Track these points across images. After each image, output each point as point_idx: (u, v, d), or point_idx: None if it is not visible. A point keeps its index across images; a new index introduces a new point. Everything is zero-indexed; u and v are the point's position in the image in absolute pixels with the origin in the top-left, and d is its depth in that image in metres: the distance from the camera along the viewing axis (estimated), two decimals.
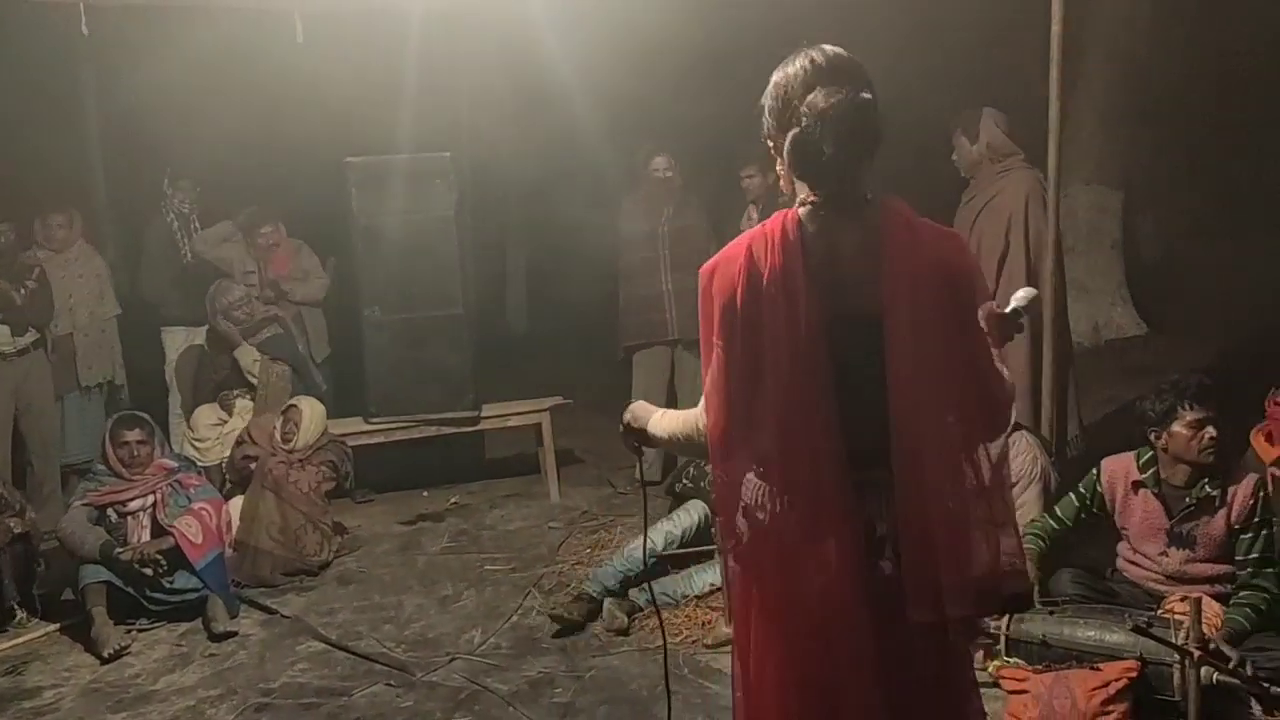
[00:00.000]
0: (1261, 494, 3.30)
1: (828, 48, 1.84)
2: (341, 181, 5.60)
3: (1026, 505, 3.92)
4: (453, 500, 5.86)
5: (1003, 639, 3.33)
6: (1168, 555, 3.40)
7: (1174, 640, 2.96)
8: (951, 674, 1.90)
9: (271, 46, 5.32)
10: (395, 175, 5.57)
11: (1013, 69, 5.77)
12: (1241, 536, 3.29)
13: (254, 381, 5.68)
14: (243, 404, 5.64)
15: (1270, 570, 3.26)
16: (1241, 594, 3.24)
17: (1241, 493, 3.29)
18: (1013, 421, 4.02)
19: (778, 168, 1.92)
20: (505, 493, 5.97)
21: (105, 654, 3.98)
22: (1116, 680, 2.95)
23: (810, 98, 1.77)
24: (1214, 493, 3.30)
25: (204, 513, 4.43)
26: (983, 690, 3.22)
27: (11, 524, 4.35)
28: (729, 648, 2.16)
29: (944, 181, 4.70)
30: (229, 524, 4.73)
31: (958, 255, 1.85)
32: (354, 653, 3.93)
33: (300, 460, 5.06)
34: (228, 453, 5.30)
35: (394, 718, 3.45)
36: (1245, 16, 7.49)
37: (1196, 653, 2.89)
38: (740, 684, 1.96)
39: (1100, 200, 7.73)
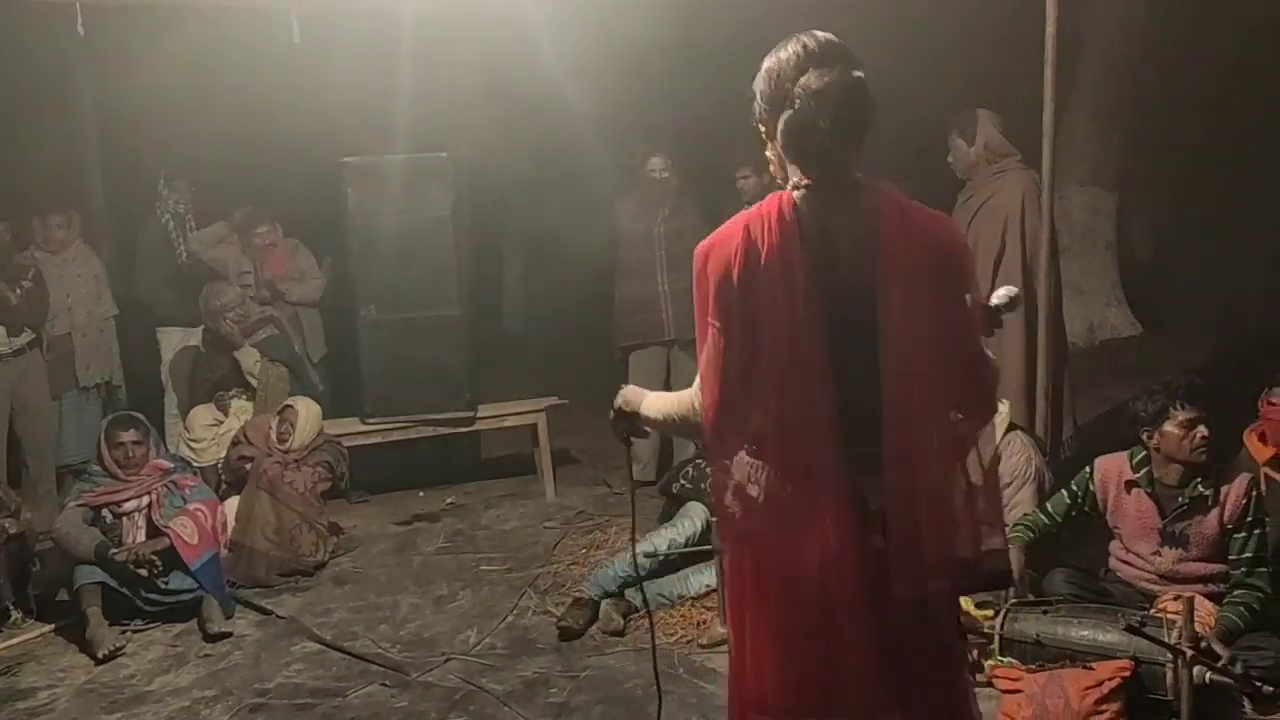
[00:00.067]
0: (1254, 493, 3.31)
1: (818, 33, 1.88)
2: (338, 181, 5.60)
3: (1020, 505, 3.93)
4: (448, 500, 5.87)
5: (997, 638, 3.34)
6: (1160, 555, 3.42)
7: (1167, 640, 2.97)
8: (944, 649, 1.94)
9: (268, 47, 5.32)
10: (391, 175, 5.57)
11: (1007, 70, 5.78)
12: (1235, 536, 3.30)
13: (254, 383, 5.68)
14: (239, 404, 5.64)
15: (1264, 569, 3.27)
16: (1235, 593, 3.25)
17: (1234, 492, 3.30)
18: (1007, 421, 4.04)
19: (768, 152, 1.95)
20: (501, 493, 5.98)
21: (100, 655, 3.97)
22: (1110, 679, 2.96)
23: (803, 79, 1.81)
24: (1206, 492, 3.31)
25: (199, 513, 4.43)
26: (977, 690, 3.25)
27: (7, 524, 4.35)
28: (724, 648, 2.17)
29: (942, 182, 4.71)
30: (224, 524, 4.72)
31: (949, 236, 1.89)
32: (349, 653, 3.93)
33: (296, 461, 5.06)
34: (223, 453, 5.30)
35: (389, 718, 3.45)
36: (1239, 18, 7.51)
37: (1189, 652, 2.90)
38: (736, 664, 1.97)
39: (1095, 202, 7.75)
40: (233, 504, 4.90)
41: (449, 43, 6.04)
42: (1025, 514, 3.73)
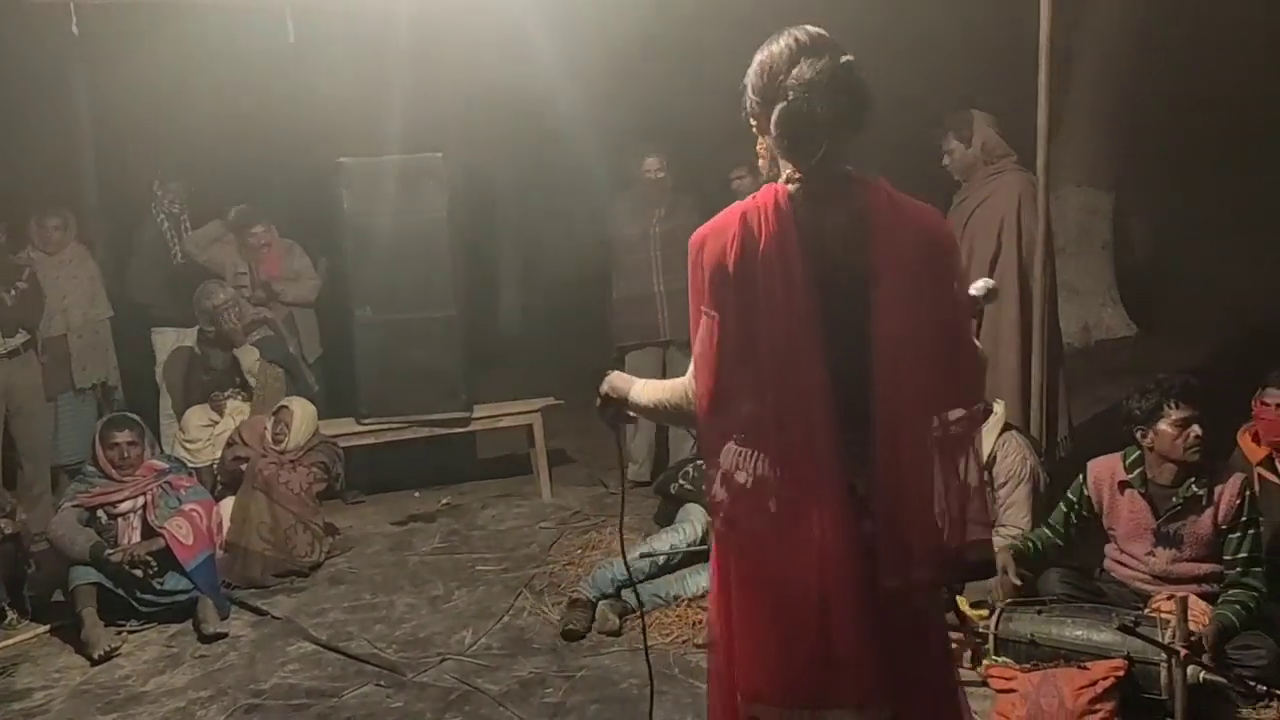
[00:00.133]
0: (1248, 493, 3.32)
1: (809, 27, 1.90)
2: (333, 182, 5.60)
3: (1015, 505, 3.94)
4: (444, 501, 5.87)
5: (991, 638, 3.35)
6: (1155, 555, 3.42)
7: (1161, 639, 2.98)
8: (932, 639, 1.97)
9: (263, 46, 5.31)
10: (387, 176, 5.56)
11: (1003, 71, 5.78)
12: (1229, 536, 3.31)
13: (253, 381, 5.67)
14: (234, 405, 5.63)
15: (1259, 569, 3.28)
16: (1231, 592, 3.26)
17: (1228, 492, 3.31)
18: (1002, 421, 4.04)
19: (759, 147, 1.97)
20: (497, 493, 5.98)
21: (95, 655, 3.97)
22: (1104, 679, 2.96)
23: (796, 70, 1.83)
24: (1200, 492, 3.32)
25: (194, 514, 4.42)
26: (971, 689, 3.25)
27: (2, 525, 4.35)
28: None
29: (939, 183, 4.71)
30: (219, 525, 4.72)
31: (937, 227, 1.92)
32: (344, 653, 3.93)
33: (291, 461, 5.06)
34: (218, 454, 5.30)
35: (384, 718, 3.45)
36: (1236, 18, 7.53)
37: (1183, 651, 2.91)
38: (722, 652, 1.99)
39: (1091, 202, 7.77)
40: (228, 504, 4.90)
41: (444, 43, 6.04)
42: (1033, 530, 3.71)
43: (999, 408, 4.09)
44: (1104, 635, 3.15)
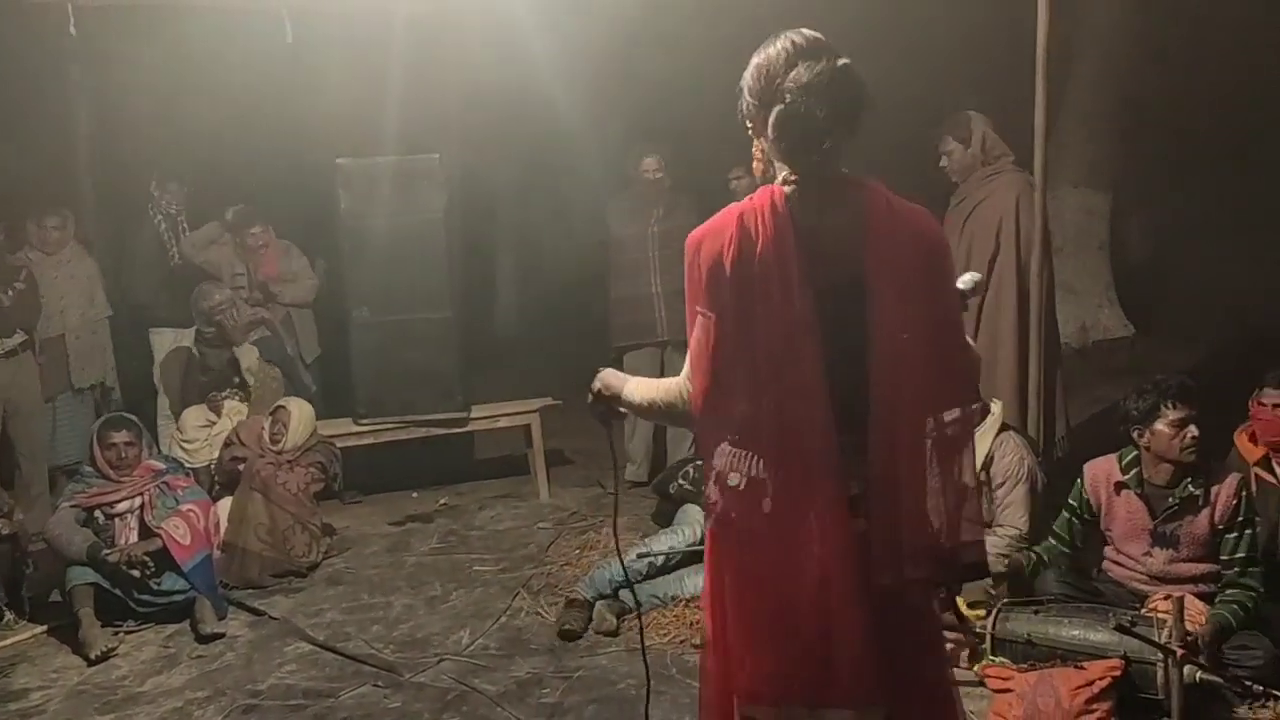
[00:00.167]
0: (1244, 493, 3.32)
1: (805, 30, 1.91)
2: (330, 183, 5.60)
3: (1013, 505, 3.94)
4: (442, 501, 5.87)
5: (988, 638, 3.35)
6: (1152, 555, 3.43)
7: (1157, 639, 2.98)
8: (927, 638, 2.00)
9: (260, 48, 5.32)
10: (384, 176, 5.56)
11: (999, 72, 5.79)
12: (1226, 536, 3.31)
13: (252, 380, 5.66)
14: (231, 405, 5.63)
15: (1256, 569, 3.29)
16: (1228, 592, 3.27)
17: (1224, 492, 3.31)
18: (1000, 421, 4.05)
19: (755, 149, 1.98)
20: (494, 493, 5.98)
21: (93, 656, 3.97)
22: (1100, 679, 2.97)
23: (793, 73, 1.85)
24: (1197, 492, 3.32)
25: (192, 514, 4.42)
26: (968, 689, 3.26)
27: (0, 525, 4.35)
28: None
29: (937, 184, 4.71)
30: (217, 525, 4.72)
31: (931, 229, 1.94)
32: (342, 654, 3.92)
33: (289, 461, 5.05)
34: (216, 454, 5.29)
35: (382, 718, 3.45)
36: (1234, 19, 7.54)
37: (1179, 651, 2.91)
38: (716, 652, 2.00)
39: (1088, 203, 7.78)
40: (225, 505, 4.90)
41: (441, 44, 6.04)
42: (1043, 543, 3.69)
43: (996, 408, 4.10)
44: (1101, 635, 3.15)
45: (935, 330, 1.89)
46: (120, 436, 4.48)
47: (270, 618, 4.33)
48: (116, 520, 4.40)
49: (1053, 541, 3.65)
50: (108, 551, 4.21)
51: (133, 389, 6.05)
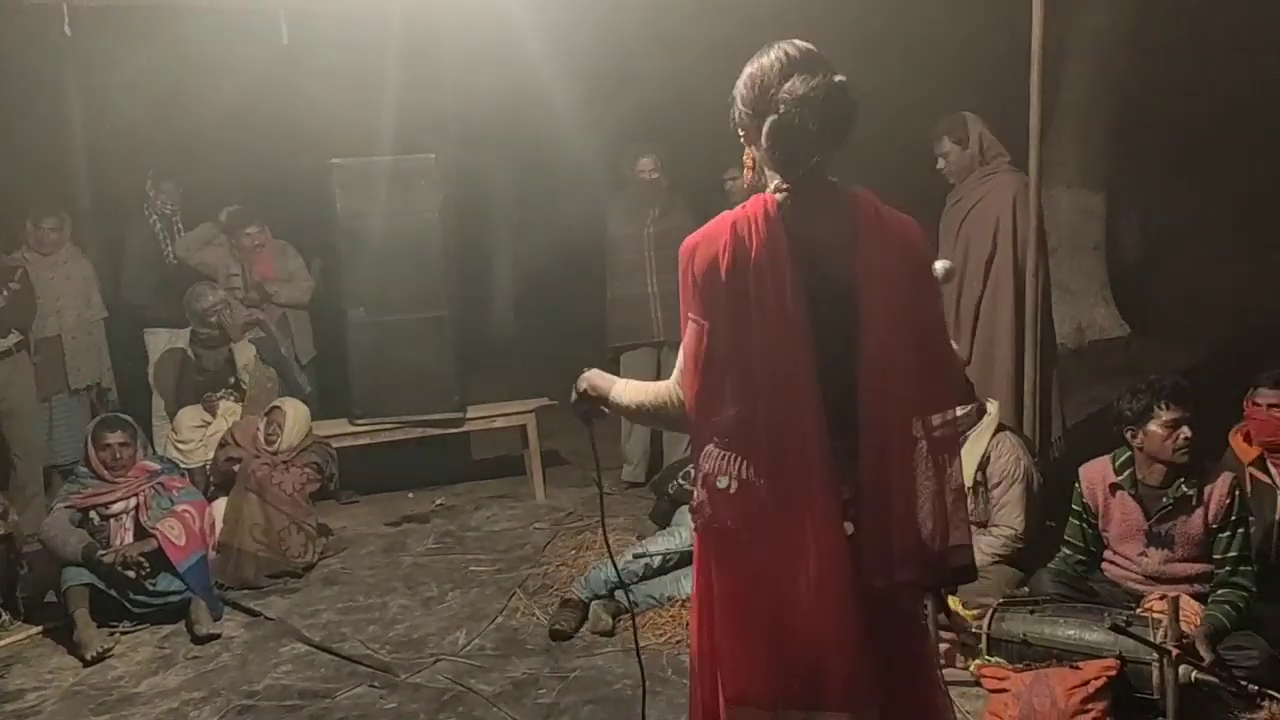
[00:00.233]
0: (1237, 492, 3.32)
1: (797, 41, 1.94)
2: (326, 183, 5.59)
3: (1009, 505, 3.94)
4: (438, 501, 5.86)
5: (984, 638, 3.35)
6: (1147, 555, 3.43)
7: (1153, 639, 2.99)
8: (914, 642, 2.03)
9: (256, 48, 5.31)
10: (380, 176, 5.56)
11: (993, 72, 5.80)
12: (1219, 535, 3.32)
13: (245, 378, 5.66)
14: (226, 406, 5.62)
15: (1249, 568, 3.29)
16: (1220, 592, 3.27)
17: (1218, 492, 3.32)
18: (996, 421, 4.05)
19: (745, 157, 2.01)
20: (490, 494, 5.97)
21: (88, 656, 3.97)
22: (1096, 679, 2.97)
23: (788, 84, 1.87)
24: (1190, 492, 3.33)
25: (187, 515, 4.42)
26: (964, 689, 3.26)
27: None
28: None
29: (934, 185, 4.72)
30: (212, 526, 4.71)
31: (918, 238, 1.97)
32: (338, 654, 3.92)
33: (284, 462, 5.05)
34: (211, 455, 5.29)
35: (377, 719, 3.45)
36: (1226, 20, 7.55)
37: (1174, 651, 2.91)
38: (703, 654, 2.01)
39: (1083, 203, 7.78)
40: (221, 505, 4.89)
41: (438, 44, 6.04)
42: (1061, 556, 3.66)
43: (993, 408, 4.10)
44: (1096, 635, 3.15)
45: (923, 335, 1.93)
46: (115, 437, 4.47)
47: (266, 618, 4.32)
48: (111, 521, 4.40)
49: (1068, 551, 3.63)
50: (103, 552, 4.20)
51: (129, 389, 6.04)
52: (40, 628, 4.33)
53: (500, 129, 7.23)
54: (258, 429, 5.15)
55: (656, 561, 4.20)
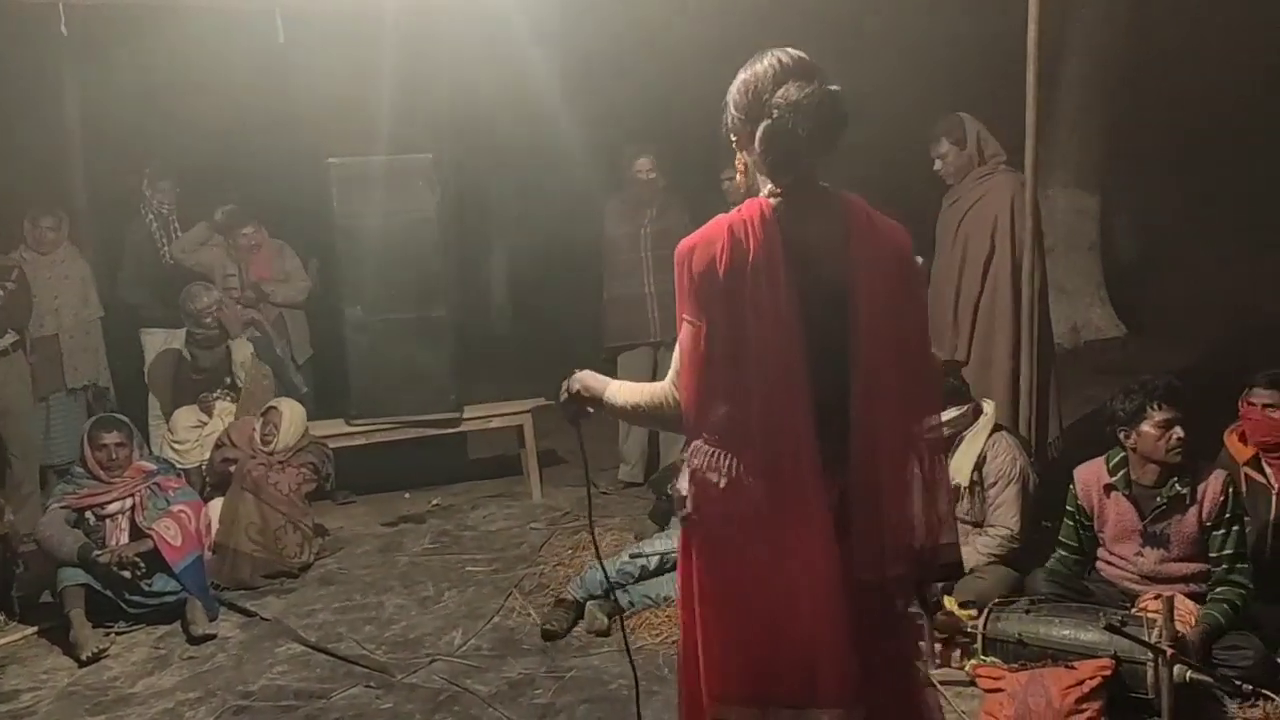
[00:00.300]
0: (1230, 490, 3.33)
1: (790, 50, 1.97)
2: (323, 182, 5.59)
3: (1005, 505, 3.94)
4: (434, 501, 5.86)
5: (979, 637, 3.36)
6: (1143, 555, 3.44)
7: (1147, 639, 2.99)
8: (901, 641, 2.06)
9: (252, 46, 5.30)
10: (377, 176, 5.55)
11: (990, 73, 5.81)
12: (1214, 533, 3.33)
13: (241, 374, 5.65)
14: (222, 406, 5.61)
15: (1244, 565, 3.30)
16: (1218, 590, 3.28)
17: (1211, 489, 3.33)
18: (992, 421, 4.05)
19: (738, 161, 2.05)
20: (487, 494, 5.97)
21: (84, 657, 3.96)
22: (1091, 679, 2.97)
23: (782, 91, 1.90)
24: (1184, 491, 3.34)
25: (183, 515, 4.41)
26: (959, 689, 3.27)
27: None
28: None
29: (933, 186, 4.72)
30: (208, 526, 4.71)
31: (906, 243, 2.02)
32: (334, 655, 3.92)
33: (280, 462, 5.05)
34: (207, 455, 5.28)
35: (373, 719, 3.45)
36: (1223, 21, 7.56)
37: (1169, 651, 2.92)
38: (689, 651, 2.02)
39: (1079, 203, 7.80)
40: (216, 506, 4.89)
41: (435, 42, 6.03)
42: (1056, 556, 3.68)
43: (989, 408, 4.11)
44: (1091, 635, 3.16)
45: (912, 339, 1.98)
46: (111, 437, 4.46)
47: (262, 619, 4.32)
48: (107, 521, 4.39)
49: (1063, 552, 3.64)
50: (99, 552, 4.20)
51: (126, 389, 6.04)
52: (35, 628, 4.32)
53: (498, 129, 7.23)
54: (254, 429, 5.14)
55: (654, 562, 4.20)
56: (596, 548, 2.69)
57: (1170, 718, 2.92)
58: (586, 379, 2.28)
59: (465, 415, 5.77)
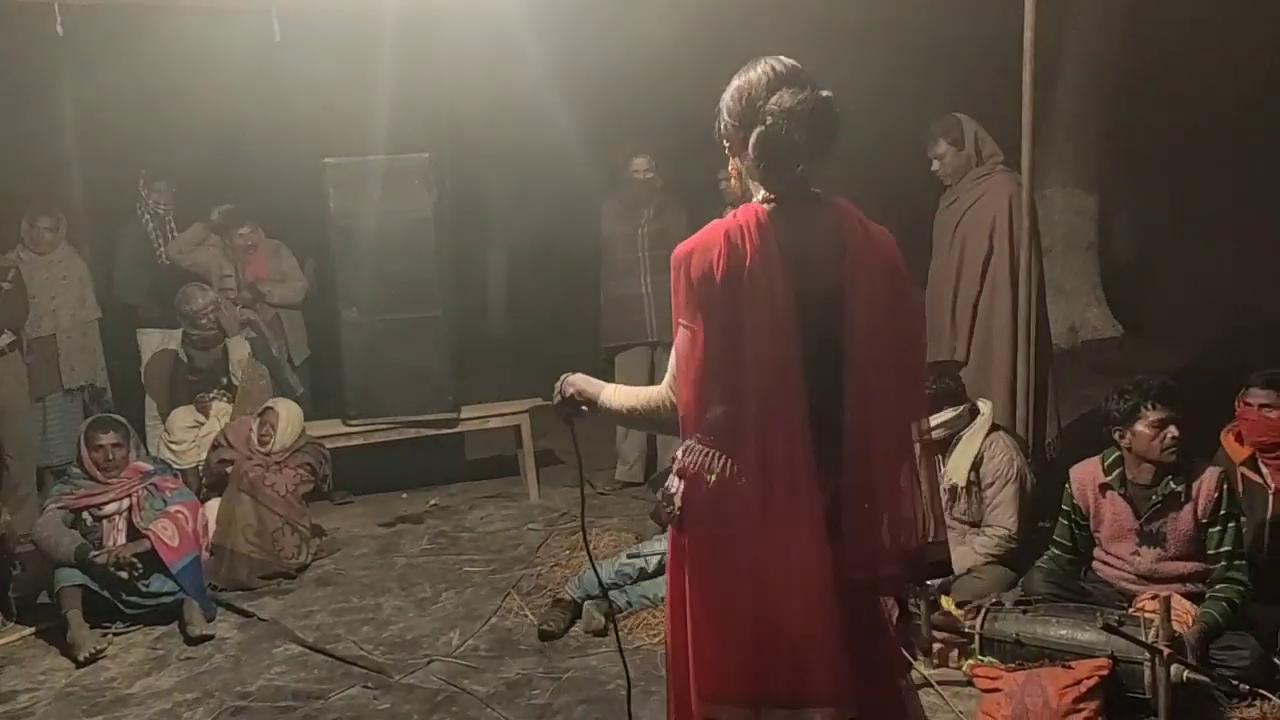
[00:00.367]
0: (1225, 486, 3.33)
1: (784, 58, 2.00)
2: (319, 182, 5.58)
3: (1002, 506, 3.95)
4: (432, 502, 5.86)
5: (977, 637, 3.36)
6: (1139, 555, 3.44)
7: (1144, 639, 3.00)
8: (887, 641, 2.09)
9: (249, 46, 5.29)
10: (373, 176, 5.55)
11: (986, 73, 5.81)
12: (1210, 530, 3.33)
13: (238, 372, 5.64)
14: (219, 406, 5.60)
15: (1241, 562, 3.30)
16: (1217, 587, 3.28)
17: (1205, 486, 3.33)
18: (990, 421, 4.06)
19: (730, 167, 2.08)
20: (485, 494, 5.97)
21: (81, 657, 3.96)
22: (1088, 678, 2.98)
23: (776, 98, 1.92)
24: (1178, 489, 3.34)
25: (180, 515, 4.41)
26: (957, 689, 3.27)
27: None
28: None
29: (932, 186, 4.72)
30: (205, 527, 4.71)
31: (895, 249, 2.04)
32: (331, 655, 3.92)
33: (277, 463, 5.04)
34: (204, 456, 5.28)
35: None
36: (1220, 23, 7.57)
37: (1166, 651, 2.92)
38: (677, 649, 2.04)
39: (1076, 203, 7.81)
40: (214, 506, 4.88)
41: (431, 42, 6.02)
42: (1050, 555, 3.68)
43: (986, 408, 4.11)
44: (1088, 635, 3.16)
45: (905, 344, 2.01)
46: (108, 438, 4.46)
47: (259, 619, 4.32)
48: (104, 522, 4.39)
49: (1056, 551, 3.65)
50: (96, 553, 4.19)
51: (123, 390, 6.03)
52: (33, 629, 4.32)
53: (495, 128, 7.21)
54: (250, 430, 5.14)
55: (652, 563, 4.19)
56: (589, 551, 2.68)
57: (1167, 717, 2.93)
58: (578, 382, 2.30)
59: (462, 415, 5.77)
